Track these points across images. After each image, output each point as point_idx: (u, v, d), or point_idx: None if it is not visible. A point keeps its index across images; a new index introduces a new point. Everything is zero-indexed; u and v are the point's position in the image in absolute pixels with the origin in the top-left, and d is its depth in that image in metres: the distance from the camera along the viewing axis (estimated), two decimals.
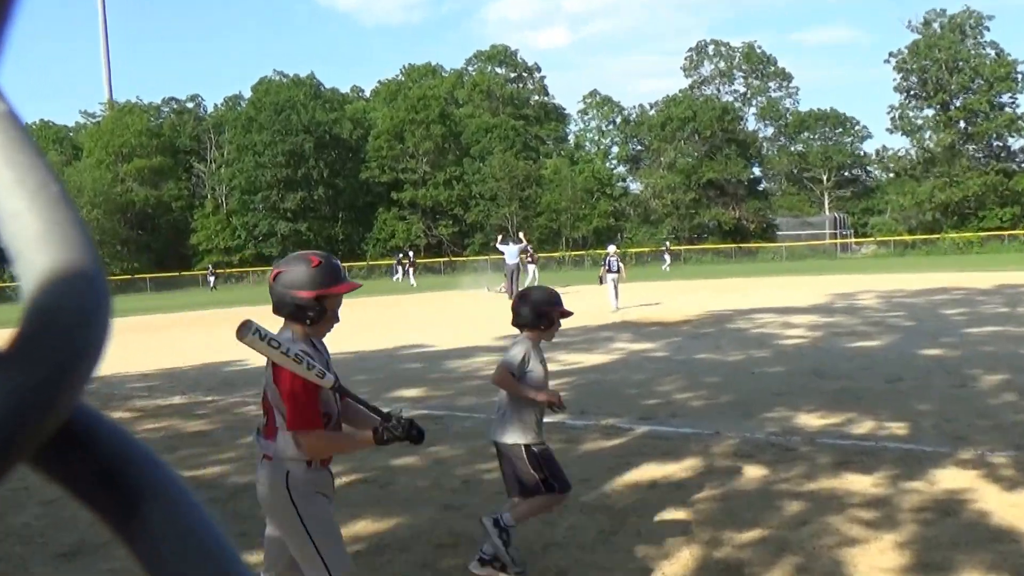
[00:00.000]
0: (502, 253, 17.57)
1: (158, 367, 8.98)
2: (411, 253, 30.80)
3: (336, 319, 1.80)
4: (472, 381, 6.79)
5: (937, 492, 3.30)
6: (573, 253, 47.69)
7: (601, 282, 13.91)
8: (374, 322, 13.04)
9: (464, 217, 50.31)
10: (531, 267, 18.61)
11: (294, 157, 49.33)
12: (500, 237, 18.56)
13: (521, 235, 18.36)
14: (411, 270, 28.78)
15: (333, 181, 50.72)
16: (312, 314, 1.79)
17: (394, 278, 29.16)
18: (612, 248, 13.94)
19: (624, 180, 54.73)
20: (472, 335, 10.28)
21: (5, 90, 0.16)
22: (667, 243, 39.78)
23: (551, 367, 4.30)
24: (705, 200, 50.68)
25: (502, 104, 54.90)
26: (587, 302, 14.63)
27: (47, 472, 0.17)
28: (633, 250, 46.79)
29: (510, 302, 2.76)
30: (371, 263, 48.44)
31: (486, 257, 43.37)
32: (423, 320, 13.25)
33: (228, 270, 48.17)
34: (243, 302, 22.01)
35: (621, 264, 13.79)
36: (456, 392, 6.35)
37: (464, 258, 48.33)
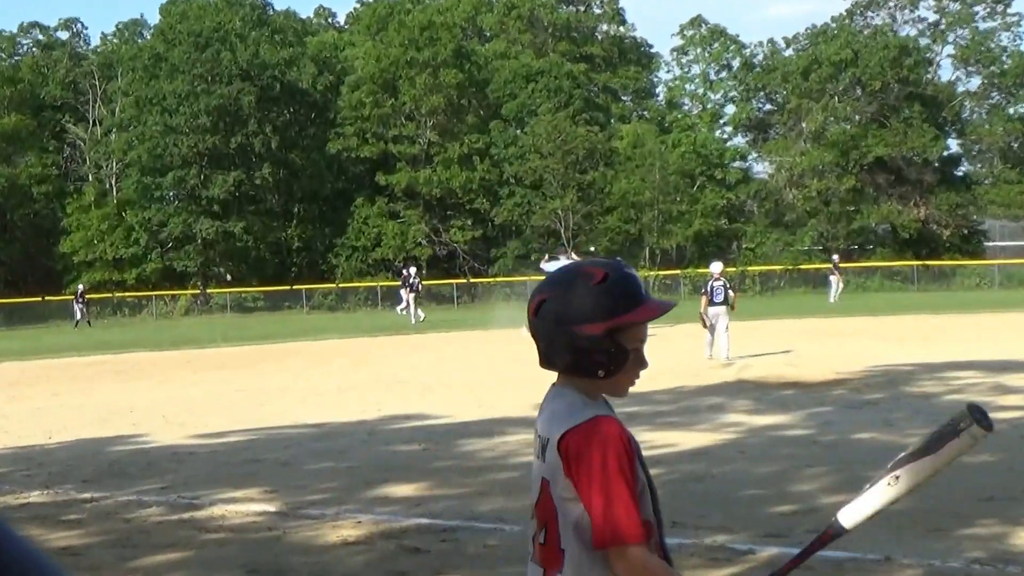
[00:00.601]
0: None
1: (8, 445, 9.16)
2: (413, 271, 29.49)
3: (642, 363, 1.89)
4: (500, 473, 6.98)
5: None
6: (661, 273, 46.48)
7: (704, 324, 14.25)
8: (350, 378, 13.83)
9: (490, 214, 50.26)
10: None
11: (225, 118, 49.20)
12: (547, 256, 20.22)
13: (572, 253, 19.82)
14: (412, 297, 29.82)
15: (286, 157, 51.18)
16: (604, 359, 1.87)
17: (399, 309, 30.34)
18: (716, 268, 14.45)
19: (744, 158, 54.16)
20: (500, 400, 10.88)
21: None
22: (835, 258, 39.13)
23: None
24: (871, 191, 49.80)
25: (552, 38, 54.30)
26: (681, 350, 15.92)
27: None
28: (756, 268, 46.08)
29: None
30: (343, 285, 48.07)
31: (524, 277, 43.57)
32: (425, 375, 13.92)
33: (117, 293, 47.29)
34: (139, 344, 23.72)
35: (731, 292, 14.36)
36: (475, 490, 6.47)
37: (489, 279, 48.09)
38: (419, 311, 29.41)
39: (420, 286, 30.37)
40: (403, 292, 30.50)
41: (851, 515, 1.78)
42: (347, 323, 32.94)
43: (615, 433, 1.79)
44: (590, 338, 1.85)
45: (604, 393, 1.90)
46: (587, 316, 1.84)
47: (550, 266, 19.35)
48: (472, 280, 48.85)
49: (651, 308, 1.85)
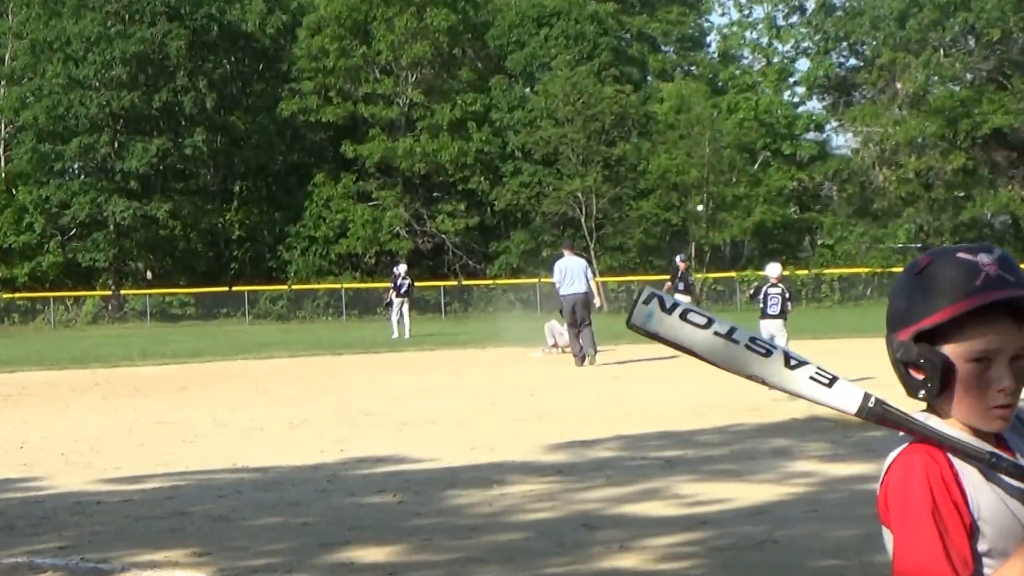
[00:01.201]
0: (557, 281, 19.48)
1: None
2: (402, 269, 29.70)
3: (996, 381, 1.85)
4: (498, 534, 7.06)
5: None
6: (711, 275, 46.63)
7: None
8: (305, 409, 14.01)
9: (489, 197, 50.55)
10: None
11: (147, 69, 49.69)
12: (567, 250, 20.13)
13: (568, 251, 20.07)
14: (404, 305, 30.18)
15: (225, 120, 51.80)
16: (920, 376, 1.91)
17: (393, 319, 30.39)
18: (774, 271, 14.89)
19: (821, 128, 54.32)
20: (500, 439, 11.04)
21: None
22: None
23: (660, 506, 7.18)
24: (986, 171, 50.21)
25: None
26: (735, 377, 14.85)
27: None
28: (836, 272, 46.28)
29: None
30: (298, 287, 48.34)
31: (533, 280, 43.81)
32: (403, 406, 14.07)
33: (3, 295, 47.76)
34: (31, 361, 23.60)
35: (789, 303, 14.72)
36: (465, 556, 6.53)
37: (488, 280, 48.32)
38: (395, 323, 29.79)
39: (411, 290, 30.71)
40: (390, 295, 30.62)
41: None
42: (302, 337, 33.01)
43: (919, 463, 1.85)
44: (900, 347, 1.91)
45: (964, 422, 1.91)
46: (899, 318, 1.91)
47: (564, 268, 19.43)
48: (465, 282, 49.12)
49: (968, 302, 1.82)
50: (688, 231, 49.46)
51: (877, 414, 1.91)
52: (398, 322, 29.93)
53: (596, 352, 19.19)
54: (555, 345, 21.15)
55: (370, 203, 50.82)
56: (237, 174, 52.65)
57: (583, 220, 47.97)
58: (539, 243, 48.83)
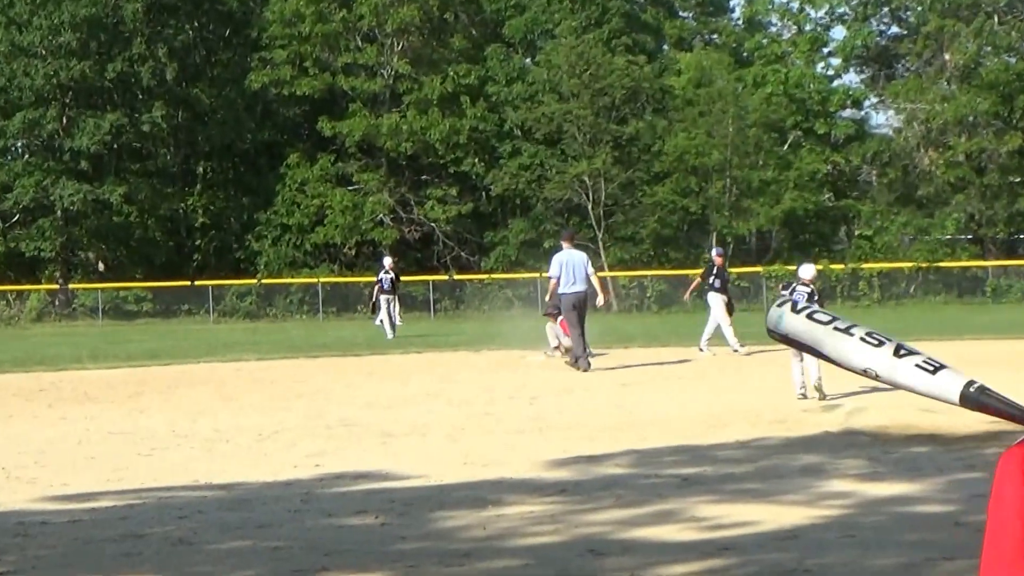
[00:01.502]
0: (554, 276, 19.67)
1: None
2: (388, 262, 29.95)
3: None
4: (494, 560, 7.08)
5: None
6: (735, 271, 46.68)
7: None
8: (277, 419, 14.11)
9: (484, 181, 51.09)
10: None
11: (99, 36, 49.88)
12: (566, 242, 20.38)
13: (566, 244, 20.39)
14: (393, 304, 30.68)
15: (187, 93, 52.05)
16: None
17: (377, 321, 31.01)
18: (808, 272, 15.15)
19: (859, 105, 54.75)
20: (497, 453, 11.16)
21: None
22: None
23: (676, 529, 7.29)
24: None
25: None
26: (762, 384, 16.80)
27: None
28: (875, 266, 46.50)
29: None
30: (269, 282, 48.53)
31: (533, 274, 43.93)
32: (387, 416, 14.13)
33: None
34: None
35: (818, 303, 14.83)
36: None
37: (483, 275, 48.61)
38: (387, 324, 29.90)
39: (396, 284, 30.88)
40: (378, 296, 30.64)
41: None
42: (273, 337, 33.06)
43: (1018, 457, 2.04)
44: None
45: None
46: None
47: (557, 257, 19.65)
48: (457, 277, 49.19)
49: None
50: (708, 220, 49.59)
51: (978, 400, 2.11)
52: (388, 322, 29.97)
53: (591, 356, 19.35)
54: (558, 347, 21.24)
55: (350, 187, 50.94)
56: (200, 154, 52.70)
57: (590, 207, 48.03)
58: (540, 233, 48.89)
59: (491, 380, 18.68)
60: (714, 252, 25.16)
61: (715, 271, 23.46)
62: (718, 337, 22.45)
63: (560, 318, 20.24)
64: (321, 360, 23.96)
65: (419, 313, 44.84)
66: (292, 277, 49.44)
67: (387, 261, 31.52)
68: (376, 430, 12.97)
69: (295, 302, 48.09)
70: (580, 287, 19.30)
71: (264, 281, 48.92)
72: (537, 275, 44.35)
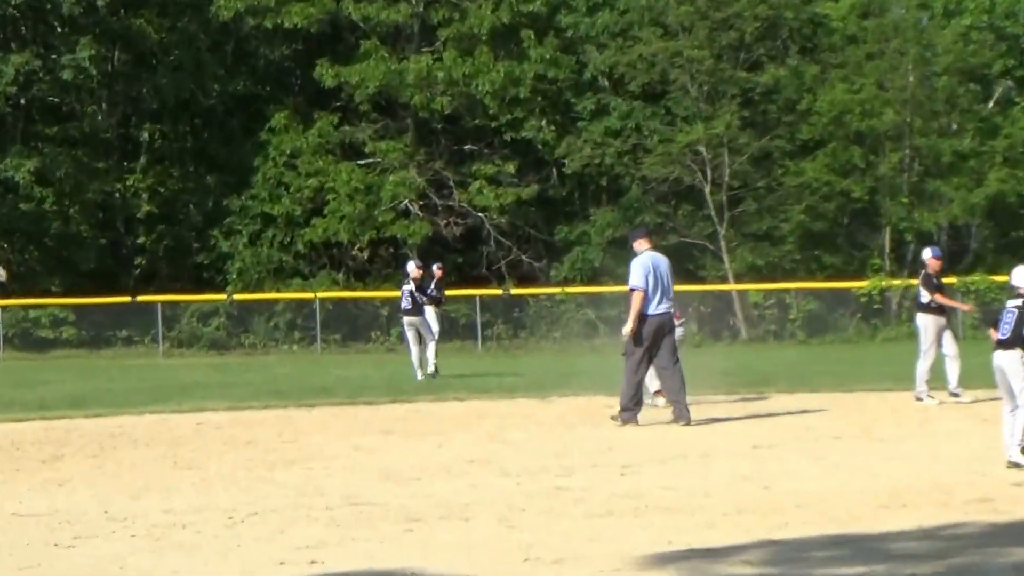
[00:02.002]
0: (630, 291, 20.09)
1: None
2: (414, 267, 30.67)
3: None
4: None
5: None
6: (915, 281, 46.24)
7: None
8: (256, 494, 14.34)
9: (557, 154, 51.19)
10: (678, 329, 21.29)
11: None
12: (644, 241, 20.92)
13: (643, 243, 21.09)
14: (435, 313, 32.64)
15: (126, 26, 52.21)
16: None
17: (414, 354, 31.17)
18: (1022, 277, 15.69)
19: None
20: (572, 545, 11.25)
21: None
22: None
23: None
24: None
25: None
26: (956, 441, 17.36)
27: None
28: None
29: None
30: (243, 297, 48.65)
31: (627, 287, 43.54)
32: (412, 491, 14.35)
33: None
34: None
35: None
36: None
37: (553, 289, 48.55)
38: (417, 358, 30.59)
39: (434, 297, 32.09)
40: (409, 296, 31.22)
41: None
42: (249, 377, 33.17)
43: None
44: None
45: None
46: None
47: (641, 261, 20.00)
48: (516, 291, 49.46)
49: None
50: (880, 210, 49.37)
51: None
52: (416, 354, 30.19)
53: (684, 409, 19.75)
54: (659, 392, 21.21)
55: (362, 162, 51.29)
56: (146, 113, 53.09)
57: (707, 191, 48.01)
58: (635, 227, 48.80)
59: (564, 440, 18.65)
60: (928, 253, 23.79)
61: (931, 279, 22.70)
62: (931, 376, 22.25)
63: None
64: (319, 411, 24.01)
65: (461, 342, 44.85)
66: (277, 291, 49.63)
67: (411, 267, 31.67)
68: (398, 512, 12.96)
69: (281, 327, 48.28)
70: (667, 306, 19.67)
71: (237, 297, 49.32)
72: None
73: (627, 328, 19.63)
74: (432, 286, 34.65)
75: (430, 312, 32.26)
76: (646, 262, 19.68)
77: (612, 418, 20.06)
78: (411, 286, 30.66)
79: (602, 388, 24.12)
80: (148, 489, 14.75)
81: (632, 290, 19.64)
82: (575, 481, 14.67)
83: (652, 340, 19.51)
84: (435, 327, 32.02)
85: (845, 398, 23.00)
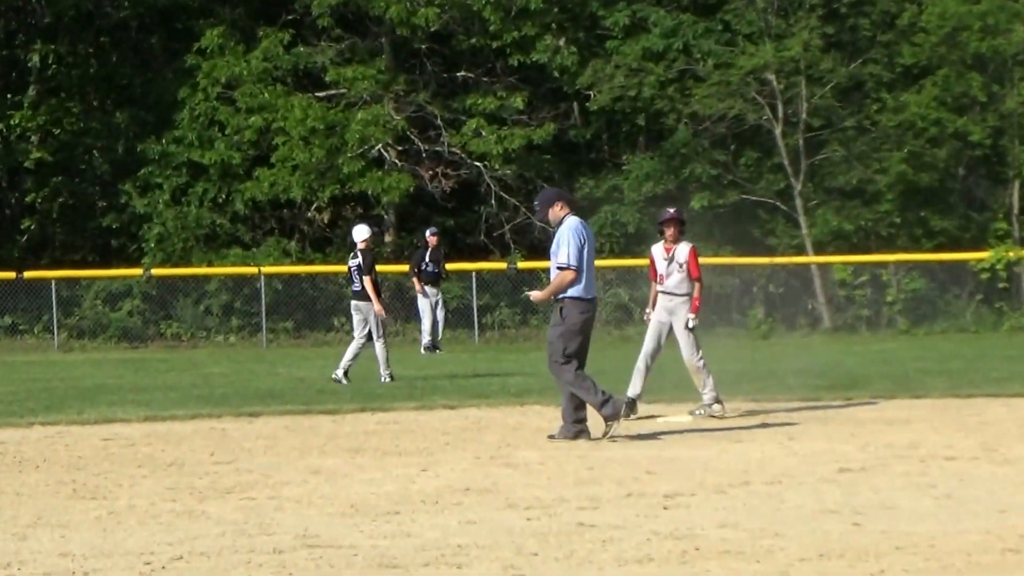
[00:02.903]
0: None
1: None
2: (363, 232, 32.50)
3: None
4: None
5: None
6: None
7: None
8: (185, 532, 14.34)
9: (577, 84, 51.65)
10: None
11: None
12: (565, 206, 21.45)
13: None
14: (436, 295, 35.49)
15: None
16: None
17: (425, 341, 35.07)
18: None
19: None
20: None
21: None
22: None
23: None
24: None
25: None
26: None
27: None
28: None
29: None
30: (164, 272, 48.84)
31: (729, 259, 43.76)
32: (391, 530, 14.39)
33: None
34: None
35: None
36: None
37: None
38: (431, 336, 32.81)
39: (440, 268, 34.54)
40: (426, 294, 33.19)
41: None
42: (172, 379, 33.13)
43: None
44: None
45: None
46: None
47: (576, 230, 20.58)
48: (523, 265, 49.93)
49: None
50: (1006, 158, 49.91)
51: None
52: (353, 348, 30.63)
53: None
54: (717, 399, 21.24)
55: (321, 93, 51.23)
56: (35, 30, 52.96)
57: (778, 132, 48.03)
58: (683, 182, 48.83)
59: (589, 462, 18.72)
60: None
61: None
62: None
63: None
64: (265, 422, 24.11)
65: (452, 332, 45.01)
66: (209, 264, 49.72)
67: (360, 232, 31.83)
68: (369, 557, 13.00)
69: (215, 311, 48.38)
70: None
71: (156, 272, 49.21)
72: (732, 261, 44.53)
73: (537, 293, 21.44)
74: (426, 259, 34.75)
75: (430, 294, 32.50)
76: (580, 231, 20.29)
77: (550, 436, 20.66)
78: (359, 259, 30.80)
79: (640, 393, 23.98)
80: (39, 525, 14.75)
81: (565, 268, 20.35)
82: (603, 516, 14.66)
83: (586, 335, 20.33)
84: (439, 313, 32.33)
85: (960, 406, 23.02)
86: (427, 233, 34.28)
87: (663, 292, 23.92)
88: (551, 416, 23.79)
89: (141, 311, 48.23)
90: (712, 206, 48.63)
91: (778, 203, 48.97)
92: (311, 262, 49.95)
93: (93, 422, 24.10)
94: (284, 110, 50.56)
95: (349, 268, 31.51)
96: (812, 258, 47.16)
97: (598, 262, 41.44)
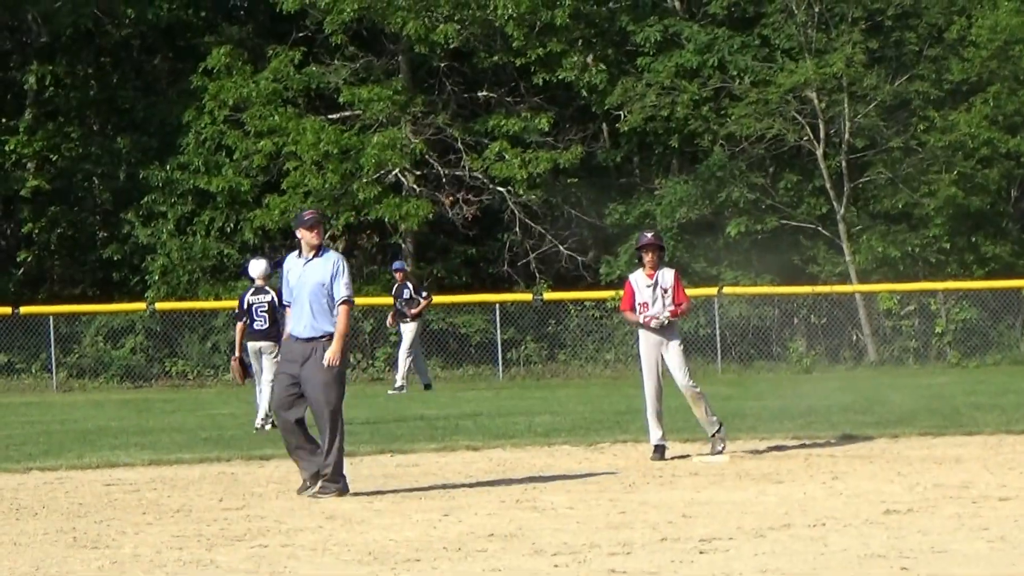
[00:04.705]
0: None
1: None
2: (259, 268, 32.67)
3: None
4: None
5: None
6: None
7: None
8: None
9: (606, 104, 51.27)
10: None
11: None
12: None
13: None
14: (409, 331, 35.83)
15: None
16: None
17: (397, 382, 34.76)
18: None
19: None
20: None
21: None
22: None
23: None
24: None
25: None
26: None
27: None
28: None
29: None
30: (169, 306, 48.67)
31: (712, 289, 44.01)
32: None
33: None
34: None
35: None
36: None
37: (604, 292, 48.99)
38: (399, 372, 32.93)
39: (422, 300, 34.36)
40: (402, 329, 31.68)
41: None
42: (178, 419, 33.12)
43: None
44: None
45: None
46: None
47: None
48: (550, 296, 49.76)
49: None
50: None
51: None
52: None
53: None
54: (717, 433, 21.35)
55: (335, 115, 51.49)
56: (31, 50, 53.04)
57: (819, 154, 47.94)
58: (719, 207, 48.90)
59: (621, 506, 18.72)
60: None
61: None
62: None
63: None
64: (276, 465, 24.16)
65: (475, 368, 44.99)
66: (217, 298, 49.69)
67: (256, 267, 32.58)
68: None
69: (222, 348, 48.30)
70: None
71: (160, 307, 49.14)
72: (714, 290, 44.37)
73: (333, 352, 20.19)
74: (400, 294, 35.00)
75: (405, 331, 32.61)
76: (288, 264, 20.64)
77: (312, 494, 20.41)
78: (270, 296, 30.74)
79: (676, 429, 24.24)
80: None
81: (346, 302, 20.11)
82: (636, 562, 14.65)
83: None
84: (400, 351, 32.18)
85: (1014, 443, 22.99)
86: (394, 268, 34.05)
87: (647, 324, 23.61)
88: (581, 457, 23.90)
89: (144, 348, 48.24)
90: (750, 232, 48.59)
91: (820, 228, 48.92)
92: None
93: (94, 467, 24.12)
94: (295, 133, 50.54)
95: (251, 305, 31.41)
96: (856, 287, 47.10)
97: (618, 292, 41.61)
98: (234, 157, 51.03)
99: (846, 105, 47.86)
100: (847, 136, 48.02)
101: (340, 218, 50.40)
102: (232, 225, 51.44)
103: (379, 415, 31.53)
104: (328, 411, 19.84)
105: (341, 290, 20.13)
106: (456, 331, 45.54)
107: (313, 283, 20.17)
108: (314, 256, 20.36)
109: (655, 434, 22.92)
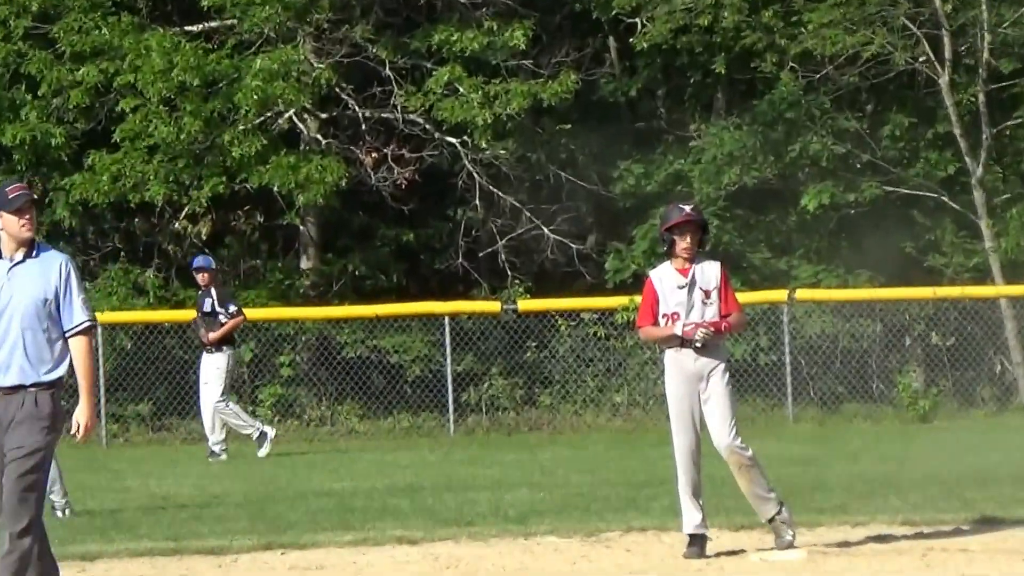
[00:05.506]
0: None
1: None
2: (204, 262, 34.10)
3: None
4: None
5: None
6: None
7: None
8: None
9: (603, 4, 50.70)
10: None
11: None
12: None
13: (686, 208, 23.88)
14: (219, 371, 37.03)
15: None
16: None
17: (208, 421, 36.86)
18: None
19: None
20: None
21: None
22: None
23: None
24: None
25: None
26: None
27: None
28: None
29: None
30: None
31: (766, 295, 44.46)
32: None
33: None
34: None
35: None
36: None
37: (610, 300, 48.36)
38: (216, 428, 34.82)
39: (226, 318, 36.08)
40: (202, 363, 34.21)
41: None
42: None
43: None
44: None
45: None
46: None
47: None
48: (524, 307, 49.44)
49: None
50: None
51: None
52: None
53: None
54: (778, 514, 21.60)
55: (194, 26, 52.07)
56: None
57: (943, 83, 48.31)
58: (788, 166, 49.28)
59: None
60: None
61: None
62: None
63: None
64: (105, 568, 24.07)
65: (410, 417, 45.32)
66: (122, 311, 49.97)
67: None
68: None
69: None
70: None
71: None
72: (783, 295, 44.57)
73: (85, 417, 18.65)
74: (202, 305, 35.60)
75: (206, 366, 33.18)
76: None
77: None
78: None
79: (725, 509, 24.65)
80: None
81: (86, 331, 18.80)
82: None
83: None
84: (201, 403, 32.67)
85: None
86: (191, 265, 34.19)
87: (682, 345, 23.06)
88: (576, 554, 23.85)
89: None
90: (836, 205, 48.71)
91: (946, 199, 49.02)
92: (180, 304, 49.98)
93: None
94: (134, 55, 50.62)
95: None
96: (1000, 288, 47.23)
97: (632, 298, 42.60)
98: (39, 93, 51.16)
99: (984, 9, 47.97)
100: (986, 55, 48.11)
101: (204, 186, 50.31)
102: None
103: (262, 490, 31.62)
104: (33, 496, 17.98)
105: (78, 312, 18.47)
106: (383, 360, 45.80)
107: (25, 300, 18.32)
108: (25, 257, 18.51)
109: (692, 518, 22.68)
